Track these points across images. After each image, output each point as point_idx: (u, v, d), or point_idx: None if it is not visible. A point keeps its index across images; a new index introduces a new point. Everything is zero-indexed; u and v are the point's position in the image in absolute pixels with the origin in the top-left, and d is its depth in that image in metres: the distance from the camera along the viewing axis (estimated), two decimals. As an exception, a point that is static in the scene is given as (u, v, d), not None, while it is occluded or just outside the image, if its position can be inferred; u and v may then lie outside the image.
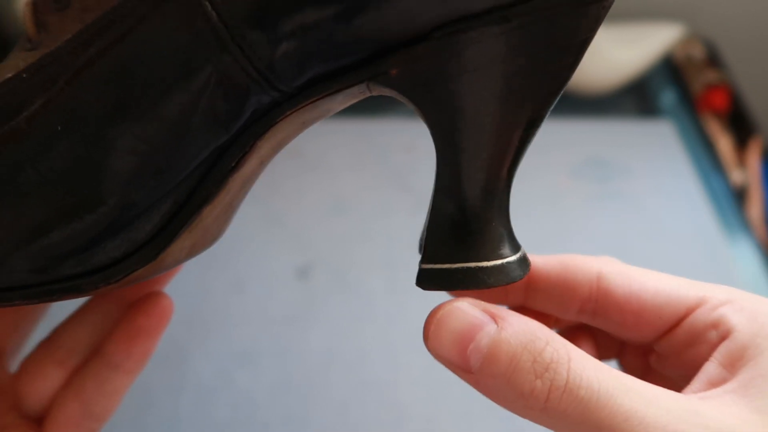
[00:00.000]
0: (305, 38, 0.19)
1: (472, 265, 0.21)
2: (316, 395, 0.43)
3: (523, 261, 0.22)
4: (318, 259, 0.52)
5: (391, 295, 0.49)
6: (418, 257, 0.22)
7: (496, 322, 0.19)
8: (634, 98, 0.69)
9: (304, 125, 0.23)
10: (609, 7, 0.20)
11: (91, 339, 0.28)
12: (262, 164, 0.24)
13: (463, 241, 0.21)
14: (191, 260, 0.24)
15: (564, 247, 0.53)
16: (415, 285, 0.22)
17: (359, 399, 0.43)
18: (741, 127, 0.65)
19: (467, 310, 0.20)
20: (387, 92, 0.21)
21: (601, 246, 0.53)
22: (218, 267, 0.51)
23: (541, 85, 0.20)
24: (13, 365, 0.28)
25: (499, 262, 0.21)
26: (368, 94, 0.22)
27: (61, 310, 0.28)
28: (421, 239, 0.23)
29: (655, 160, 0.61)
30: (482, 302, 0.20)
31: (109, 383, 0.27)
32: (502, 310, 0.20)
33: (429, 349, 0.20)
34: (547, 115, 0.21)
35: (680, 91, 0.70)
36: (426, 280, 0.22)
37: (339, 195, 0.57)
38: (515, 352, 0.19)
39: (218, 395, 0.43)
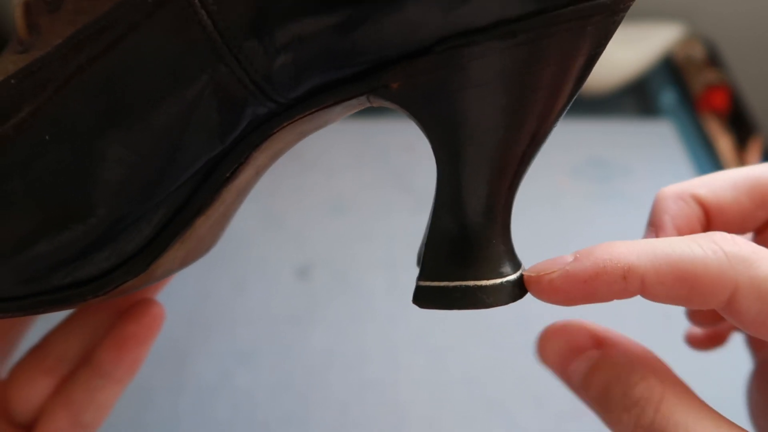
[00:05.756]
0: (303, 49, 0.19)
1: (471, 283, 0.20)
2: (316, 395, 0.43)
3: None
4: (318, 259, 0.52)
5: (391, 295, 0.49)
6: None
7: (600, 347, 0.20)
8: (634, 98, 0.69)
9: (302, 135, 0.22)
10: (620, 21, 0.19)
11: (81, 347, 0.27)
12: (258, 174, 0.23)
13: (462, 259, 0.20)
14: (191, 260, 0.24)
15: (564, 247, 0.53)
16: (411, 302, 0.21)
17: (359, 399, 0.43)
18: (741, 127, 0.65)
19: (574, 332, 0.20)
20: (387, 105, 0.20)
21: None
22: (218, 267, 0.51)
23: (548, 102, 0.19)
24: (3, 372, 0.28)
25: (498, 281, 0.20)
26: (368, 105, 0.21)
27: (54, 316, 0.28)
28: (419, 253, 0.22)
29: (655, 160, 0.61)
30: (593, 324, 0.20)
31: (98, 392, 0.26)
32: (612, 336, 0.20)
33: (539, 358, 0.21)
34: (551, 131, 0.20)
35: (680, 91, 0.70)
36: (423, 297, 0.21)
37: (339, 195, 0.57)
38: (609, 381, 0.19)
39: (218, 395, 0.43)
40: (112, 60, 0.19)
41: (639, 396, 0.18)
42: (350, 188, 0.58)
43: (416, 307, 0.21)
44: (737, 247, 0.18)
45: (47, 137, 0.19)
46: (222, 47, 0.18)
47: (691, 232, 0.22)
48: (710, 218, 0.23)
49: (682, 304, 0.19)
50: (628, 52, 0.66)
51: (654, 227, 0.23)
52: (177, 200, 0.21)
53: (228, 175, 0.21)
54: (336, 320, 0.48)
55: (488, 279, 0.20)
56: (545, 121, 0.20)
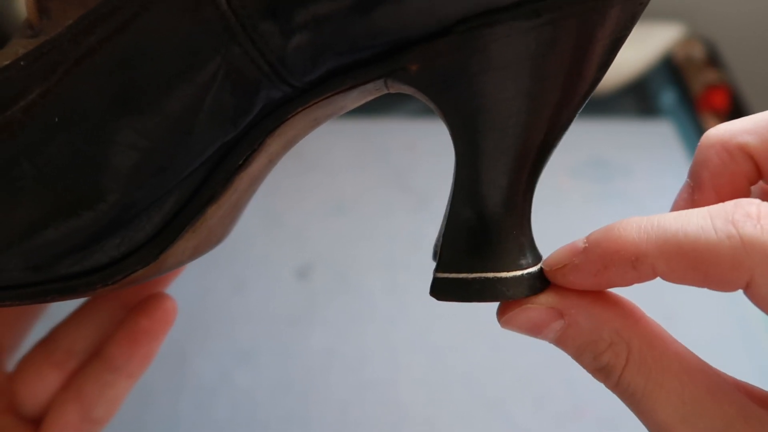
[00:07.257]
0: (320, 30, 0.18)
1: (491, 275, 0.20)
2: (316, 395, 0.43)
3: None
4: (318, 259, 0.52)
5: (391, 295, 0.49)
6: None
7: (562, 316, 0.20)
8: (634, 98, 0.69)
9: (317, 122, 0.22)
10: (646, 3, 0.18)
11: (90, 340, 0.27)
12: (271, 162, 0.23)
13: (482, 250, 0.20)
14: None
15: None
16: (429, 295, 0.21)
17: (359, 399, 0.43)
18: (741, 127, 0.65)
19: (533, 311, 0.20)
20: (405, 89, 0.20)
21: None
22: (218, 267, 0.50)
23: (570, 86, 0.19)
24: (10, 364, 0.28)
25: (518, 273, 0.20)
26: (385, 91, 0.20)
27: (61, 308, 0.27)
28: (436, 246, 0.22)
29: (656, 160, 0.61)
30: (555, 294, 0.20)
31: (109, 387, 0.26)
32: (575, 303, 0.20)
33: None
34: (575, 118, 0.19)
35: (680, 91, 0.70)
36: (441, 289, 0.20)
37: (339, 195, 0.57)
38: (578, 348, 0.20)
39: (218, 395, 0.43)
40: (123, 41, 0.18)
41: (605, 363, 0.19)
42: (351, 188, 0.57)
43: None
44: (758, 228, 0.16)
45: (57, 120, 0.19)
46: (236, 26, 0.18)
47: (734, 192, 0.20)
48: (762, 172, 0.20)
49: (700, 287, 0.18)
50: (628, 52, 0.66)
51: (692, 181, 0.21)
52: (189, 187, 0.21)
53: (241, 162, 0.21)
54: (336, 320, 0.48)
55: (508, 271, 0.20)
56: (567, 107, 0.19)
